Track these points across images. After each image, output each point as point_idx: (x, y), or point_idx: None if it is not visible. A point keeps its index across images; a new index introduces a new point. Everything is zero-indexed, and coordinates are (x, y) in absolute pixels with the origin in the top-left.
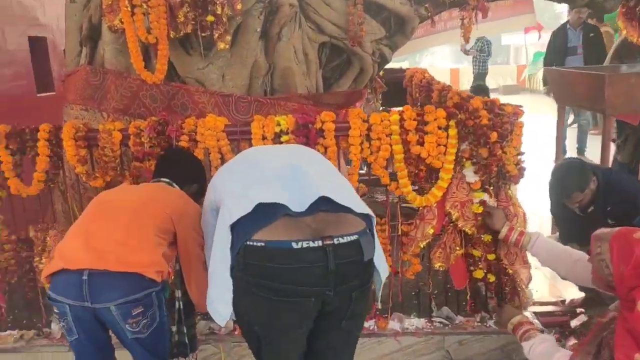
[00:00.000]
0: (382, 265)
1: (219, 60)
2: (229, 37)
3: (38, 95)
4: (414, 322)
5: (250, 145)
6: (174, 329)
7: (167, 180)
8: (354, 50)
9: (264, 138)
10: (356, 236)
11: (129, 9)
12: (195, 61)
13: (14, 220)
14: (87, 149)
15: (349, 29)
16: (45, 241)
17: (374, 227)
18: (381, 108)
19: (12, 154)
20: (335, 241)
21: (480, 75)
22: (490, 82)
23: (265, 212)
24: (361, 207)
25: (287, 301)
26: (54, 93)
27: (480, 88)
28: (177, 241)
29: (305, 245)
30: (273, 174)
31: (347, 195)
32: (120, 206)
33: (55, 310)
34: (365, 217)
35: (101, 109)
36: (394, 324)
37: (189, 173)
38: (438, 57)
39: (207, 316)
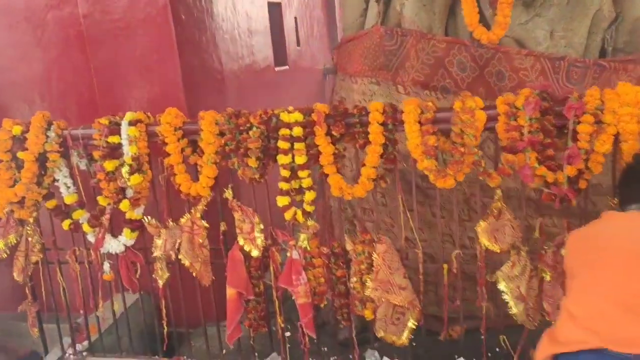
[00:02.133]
0: None
1: (549, 10)
2: None
3: (276, 69)
4: None
5: None
6: None
7: None
8: None
9: None
10: None
11: None
12: (516, 13)
13: (324, 228)
14: (435, 136)
15: None
16: (371, 258)
17: None
18: None
19: (334, 142)
20: None
21: None
22: None
23: None
24: None
25: None
26: (288, 67)
27: None
28: None
29: None
30: None
31: None
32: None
33: None
34: None
35: (396, 81)
36: None
37: None
38: None
39: None
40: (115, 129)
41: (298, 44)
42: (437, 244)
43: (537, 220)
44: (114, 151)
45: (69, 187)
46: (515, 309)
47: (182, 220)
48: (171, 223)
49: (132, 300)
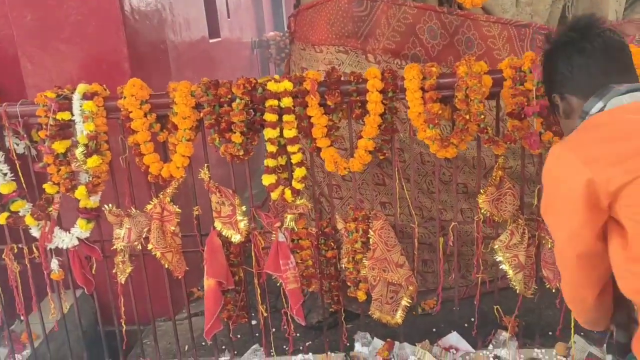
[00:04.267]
0: None
1: None
2: None
3: (210, 40)
4: None
5: None
6: None
7: None
8: None
9: None
10: None
11: None
12: None
13: (315, 206)
14: (442, 104)
15: None
16: (366, 236)
17: None
18: None
19: (327, 113)
20: None
21: None
22: None
23: None
24: None
25: None
26: (220, 39)
27: None
28: None
29: None
30: None
31: None
32: None
33: None
34: None
35: (366, 50)
36: None
37: None
38: None
39: None
40: (64, 104)
41: (228, 15)
42: (406, 218)
43: (537, 188)
44: (63, 130)
45: (5, 174)
46: (513, 277)
47: (149, 206)
48: (134, 210)
49: (72, 300)
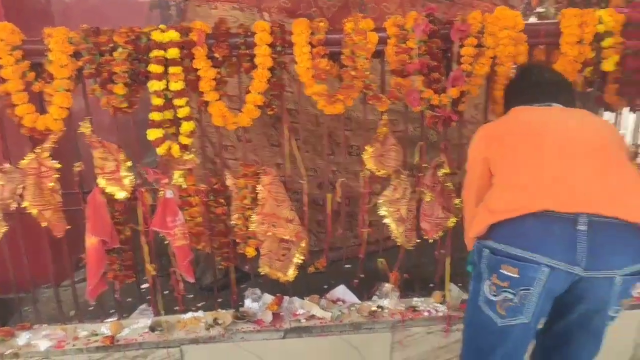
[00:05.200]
0: None
1: None
2: None
3: None
4: None
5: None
6: None
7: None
8: None
9: (579, 42)
10: None
11: None
12: None
13: (202, 164)
14: (327, 59)
15: None
16: (256, 192)
17: None
18: None
19: (216, 66)
20: None
21: None
22: None
23: None
24: None
25: None
26: None
27: None
28: None
29: None
30: None
31: None
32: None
33: (511, 274)
34: None
35: (262, 7)
36: None
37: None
38: None
39: None
40: None
41: None
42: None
43: (417, 145)
44: None
45: None
46: (395, 231)
47: (24, 161)
48: (8, 166)
49: None
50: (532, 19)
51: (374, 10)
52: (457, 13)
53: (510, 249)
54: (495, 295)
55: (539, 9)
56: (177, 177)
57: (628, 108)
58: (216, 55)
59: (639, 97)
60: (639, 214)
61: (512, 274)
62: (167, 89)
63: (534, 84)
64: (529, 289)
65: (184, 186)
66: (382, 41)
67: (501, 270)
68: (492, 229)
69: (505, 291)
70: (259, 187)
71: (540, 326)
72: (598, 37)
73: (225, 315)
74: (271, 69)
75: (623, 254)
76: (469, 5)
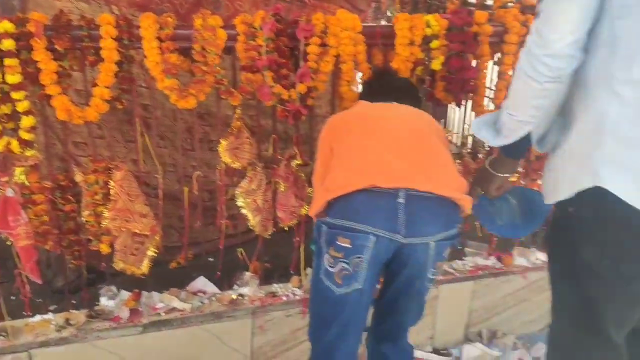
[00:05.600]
0: None
1: None
2: None
3: None
4: (539, 256)
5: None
6: None
7: None
8: None
9: (410, 44)
10: None
11: None
12: None
13: (48, 161)
14: (178, 54)
15: None
16: (107, 188)
17: None
18: None
19: (58, 59)
20: None
21: None
22: None
23: None
24: None
25: None
26: None
27: None
28: None
29: None
30: None
31: None
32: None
33: (345, 245)
34: None
35: (110, 1)
36: (520, 260)
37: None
38: None
39: None
40: None
41: None
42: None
43: (271, 137)
44: None
45: None
46: (252, 220)
47: None
48: None
49: None
50: (383, 22)
51: (227, 7)
52: (302, 14)
53: (344, 222)
54: (332, 267)
55: (389, 13)
56: (19, 174)
57: (454, 103)
58: (57, 47)
59: (462, 94)
60: (449, 189)
61: (346, 245)
62: (3, 81)
63: (384, 87)
64: (360, 257)
65: (27, 184)
66: (233, 38)
67: (337, 242)
68: (329, 206)
69: (341, 261)
70: (111, 183)
71: (375, 296)
72: (427, 39)
73: (78, 315)
74: (119, 63)
75: (435, 223)
76: (320, 7)
